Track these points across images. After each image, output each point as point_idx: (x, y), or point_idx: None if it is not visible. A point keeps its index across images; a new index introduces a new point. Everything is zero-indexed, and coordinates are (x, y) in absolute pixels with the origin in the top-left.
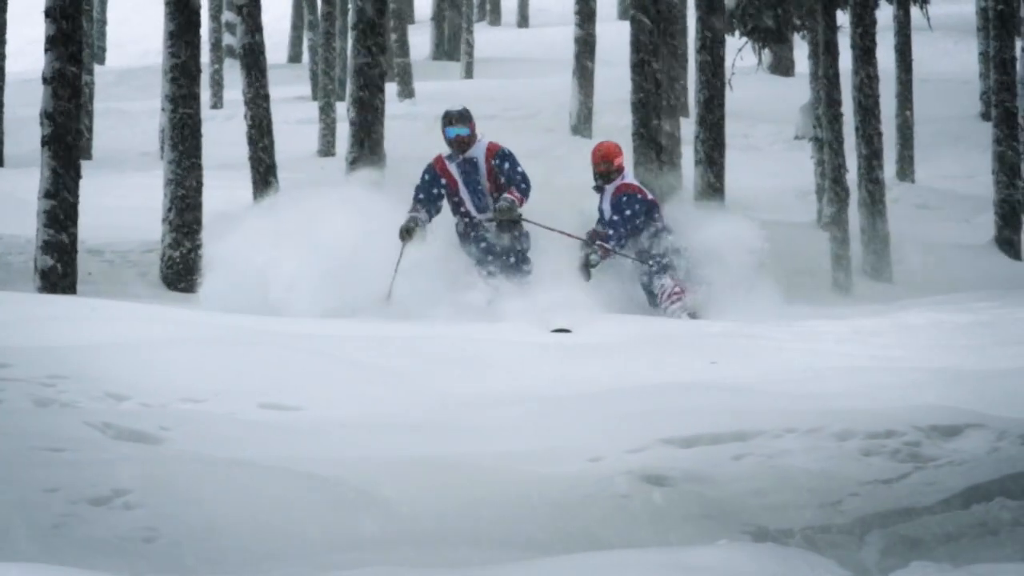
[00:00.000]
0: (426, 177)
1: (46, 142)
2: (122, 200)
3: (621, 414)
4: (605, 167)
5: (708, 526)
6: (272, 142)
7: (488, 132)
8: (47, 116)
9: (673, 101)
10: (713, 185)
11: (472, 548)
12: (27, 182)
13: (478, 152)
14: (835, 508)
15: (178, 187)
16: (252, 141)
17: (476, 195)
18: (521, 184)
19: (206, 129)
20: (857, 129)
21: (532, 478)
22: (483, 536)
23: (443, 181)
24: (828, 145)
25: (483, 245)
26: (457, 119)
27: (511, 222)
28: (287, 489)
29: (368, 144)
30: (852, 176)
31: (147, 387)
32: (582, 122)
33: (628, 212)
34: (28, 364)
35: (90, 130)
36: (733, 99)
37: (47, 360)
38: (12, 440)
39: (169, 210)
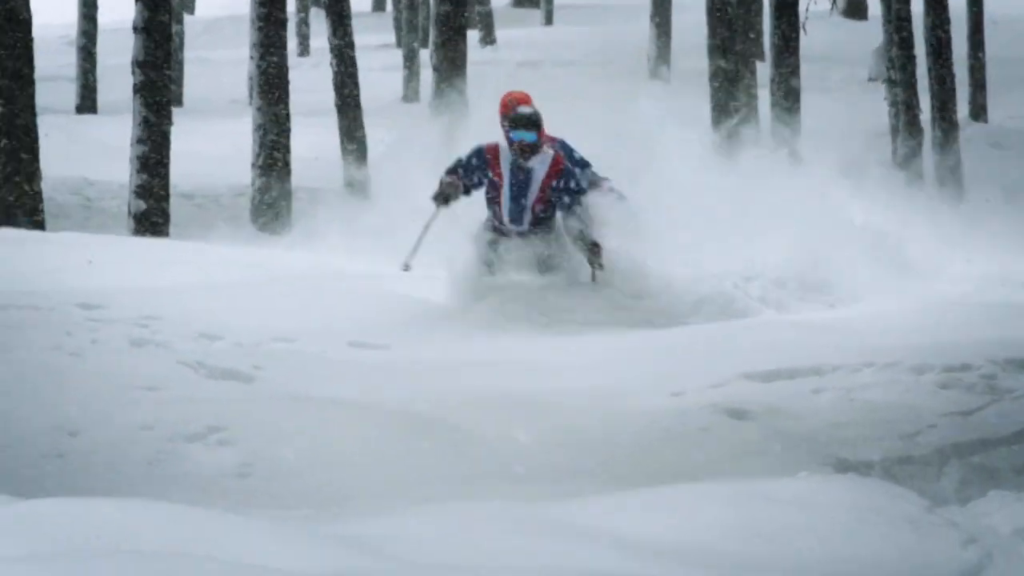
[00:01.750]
0: (473, 160)
1: (138, 90)
2: (212, 146)
3: (702, 350)
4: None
5: (788, 458)
6: (358, 89)
7: (567, 79)
8: (138, 65)
9: (749, 45)
10: (789, 127)
11: (558, 482)
12: (120, 129)
13: (538, 163)
14: (913, 440)
15: (267, 133)
16: (338, 88)
17: (516, 205)
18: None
19: (293, 77)
20: (929, 70)
21: (616, 413)
22: (568, 469)
23: (489, 173)
24: (901, 86)
25: (505, 254)
26: (525, 123)
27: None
28: (378, 426)
29: (451, 90)
30: (925, 116)
31: (239, 327)
32: (660, 66)
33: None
34: (123, 306)
35: (180, 78)
36: (807, 43)
37: (142, 302)
38: (109, 379)
39: (258, 155)
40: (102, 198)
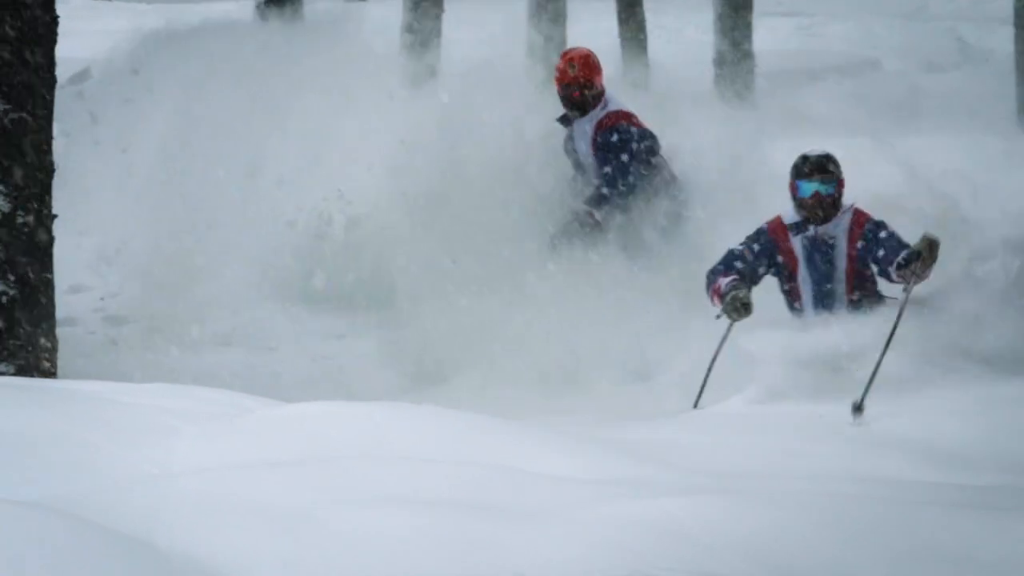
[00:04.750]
0: (755, 247)
1: None
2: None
3: None
4: (583, 88)
5: None
6: None
7: None
8: None
9: None
10: None
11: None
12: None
13: (841, 226)
14: None
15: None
16: None
17: (821, 291)
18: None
19: None
20: None
21: None
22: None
23: (779, 258)
24: None
25: None
26: (819, 169)
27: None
28: None
29: None
30: None
31: None
32: None
33: (619, 151)
34: None
35: None
36: None
37: None
38: None
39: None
40: None
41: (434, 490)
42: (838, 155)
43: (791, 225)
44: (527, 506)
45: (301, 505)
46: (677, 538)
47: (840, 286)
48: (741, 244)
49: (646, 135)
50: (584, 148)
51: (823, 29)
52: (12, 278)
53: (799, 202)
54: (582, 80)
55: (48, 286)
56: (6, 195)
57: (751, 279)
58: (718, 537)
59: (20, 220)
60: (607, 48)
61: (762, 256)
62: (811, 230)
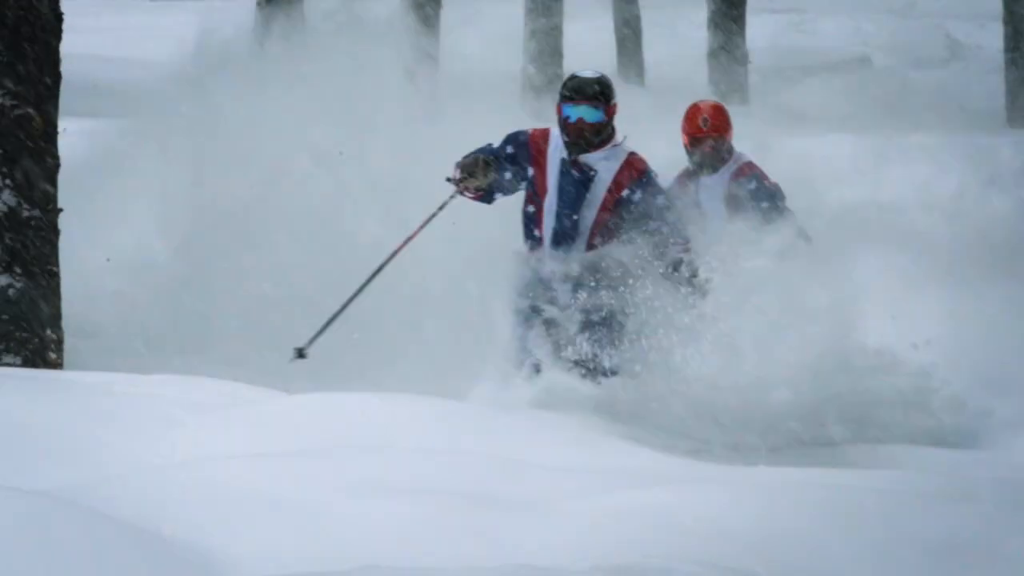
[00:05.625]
0: (508, 148)
1: None
2: None
3: None
4: (716, 144)
5: None
6: None
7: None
8: None
9: None
10: None
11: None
12: None
13: (608, 162)
14: None
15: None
16: None
17: (565, 222)
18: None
19: None
20: None
21: None
22: None
23: (530, 170)
24: None
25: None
26: (586, 92)
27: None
28: None
29: None
30: None
31: None
32: None
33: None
34: None
35: None
36: None
37: None
38: None
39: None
40: None
41: (433, 480)
42: (828, 151)
43: (556, 139)
44: (525, 496)
45: (302, 495)
46: (672, 527)
47: (585, 227)
48: (499, 143)
49: (777, 189)
50: (716, 205)
51: (814, 25)
52: (19, 271)
53: (562, 126)
54: (716, 135)
55: (54, 279)
56: (12, 189)
57: (498, 178)
58: (713, 526)
59: (26, 214)
60: (602, 44)
61: (514, 162)
62: (573, 156)
